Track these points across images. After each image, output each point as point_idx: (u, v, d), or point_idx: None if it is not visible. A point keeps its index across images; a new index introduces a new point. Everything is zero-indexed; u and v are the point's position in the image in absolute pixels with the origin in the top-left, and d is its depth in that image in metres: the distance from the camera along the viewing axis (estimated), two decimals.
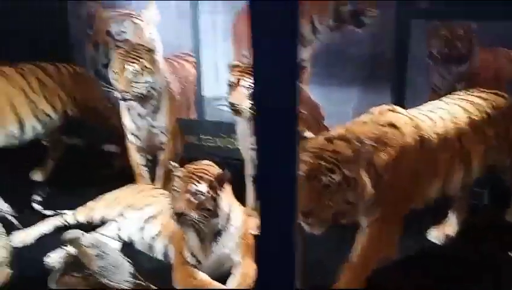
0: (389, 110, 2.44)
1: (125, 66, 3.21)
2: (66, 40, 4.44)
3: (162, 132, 3.53)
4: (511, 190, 3.04)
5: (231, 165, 3.06)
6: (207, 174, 2.47)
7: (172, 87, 3.64)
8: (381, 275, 2.46)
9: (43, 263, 2.73)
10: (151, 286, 2.46)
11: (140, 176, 3.62)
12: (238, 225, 2.62)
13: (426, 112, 2.58)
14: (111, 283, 2.38)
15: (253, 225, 2.97)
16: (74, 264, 2.57)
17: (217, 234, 2.56)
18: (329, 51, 3.66)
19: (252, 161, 3.31)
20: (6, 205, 2.85)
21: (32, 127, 3.63)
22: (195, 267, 2.60)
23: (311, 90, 3.74)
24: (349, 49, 3.66)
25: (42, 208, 3.36)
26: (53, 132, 3.91)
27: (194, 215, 2.42)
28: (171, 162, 2.56)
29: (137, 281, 2.44)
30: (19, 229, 2.98)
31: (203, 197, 2.42)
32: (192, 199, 2.42)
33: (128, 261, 2.59)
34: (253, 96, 1.10)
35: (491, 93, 2.82)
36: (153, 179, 3.66)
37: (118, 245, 2.90)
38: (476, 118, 2.63)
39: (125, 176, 3.63)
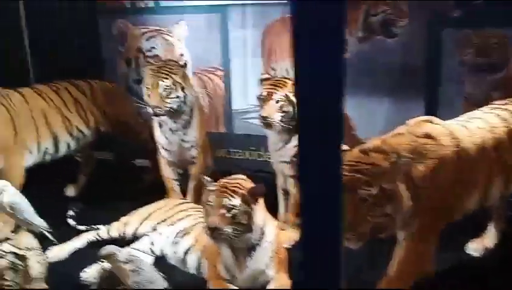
0: (426, 121, 2.40)
1: (158, 82, 3.25)
2: (99, 57, 4.52)
3: (193, 146, 3.55)
4: None
5: (261, 178, 3.05)
6: (240, 188, 2.46)
7: (201, 101, 3.67)
8: (420, 289, 2.40)
9: (77, 278, 2.75)
10: None
11: (172, 190, 3.64)
12: (272, 239, 2.60)
13: (463, 122, 2.53)
14: None
15: (285, 238, 2.95)
16: (109, 279, 2.60)
17: (251, 248, 2.54)
18: (359, 60, 3.63)
19: (283, 173, 3.30)
20: (41, 220, 2.89)
21: (66, 144, 3.69)
22: (229, 282, 2.58)
23: None
24: (379, 58, 3.62)
25: (76, 223, 3.40)
26: (85, 148, 3.97)
27: (228, 230, 2.40)
28: (205, 177, 2.56)
29: None
30: (54, 244, 3.02)
31: (236, 212, 2.41)
32: (226, 213, 2.41)
33: (162, 276, 2.60)
34: (298, 105, 1.08)
35: None
36: (184, 193, 3.67)
37: (151, 260, 2.91)
38: None
39: (156, 190, 3.65)
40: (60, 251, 3.06)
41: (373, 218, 2.11)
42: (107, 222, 3.25)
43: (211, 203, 2.45)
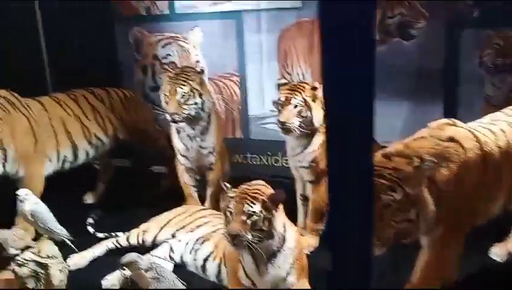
0: (448, 124, 2.36)
1: (176, 88, 3.26)
2: (116, 65, 4.55)
3: (210, 152, 3.54)
4: None
5: (280, 183, 3.03)
6: (261, 195, 2.44)
7: (217, 107, 3.66)
8: None
9: (97, 285, 2.76)
10: None
11: (190, 197, 3.64)
12: (293, 245, 2.57)
13: (486, 124, 2.48)
14: None
15: (305, 244, 2.92)
16: (130, 286, 2.60)
17: (272, 255, 2.51)
18: (376, 63, 3.59)
19: (301, 179, 3.28)
20: (62, 228, 2.90)
21: (85, 152, 3.72)
22: (250, 289, 2.56)
23: None
24: (397, 60, 3.57)
25: (95, 231, 3.41)
26: (103, 155, 3.99)
27: (248, 236, 2.38)
28: (225, 183, 2.55)
29: None
30: (75, 252, 3.03)
31: (257, 218, 2.39)
32: (246, 220, 2.39)
33: (183, 283, 2.59)
34: (327, 109, 1.06)
35: None
36: (201, 199, 3.67)
37: (170, 266, 2.91)
38: None
39: (173, 196, 3.66)
40: (81, 259, 3.06)
41: (397, 223, 2.08)
42: (126, 228, 3.25)
43: (231, 210, 2.43)
